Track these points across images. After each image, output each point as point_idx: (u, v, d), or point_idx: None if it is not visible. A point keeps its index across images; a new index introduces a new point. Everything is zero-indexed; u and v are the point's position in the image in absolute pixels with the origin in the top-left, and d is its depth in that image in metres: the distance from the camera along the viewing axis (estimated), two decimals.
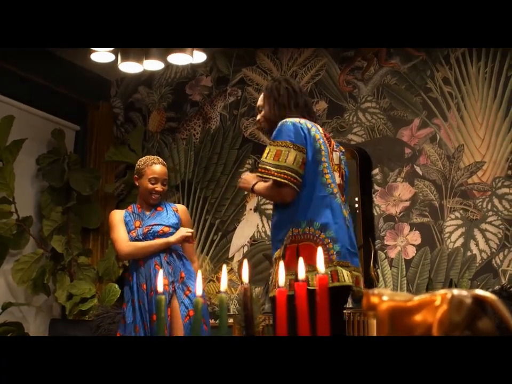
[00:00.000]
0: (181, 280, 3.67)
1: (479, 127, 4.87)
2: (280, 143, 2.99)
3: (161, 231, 3.73)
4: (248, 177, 3.27)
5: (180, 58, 4.97)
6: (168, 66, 5.92)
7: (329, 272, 2.88)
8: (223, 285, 1.50)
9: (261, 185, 3.13)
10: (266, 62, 5.88)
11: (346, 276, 2.90)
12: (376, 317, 1.45)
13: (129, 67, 5.09)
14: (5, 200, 5.41)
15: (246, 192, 5.68)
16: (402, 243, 4.92)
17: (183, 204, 5.55)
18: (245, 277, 1.53)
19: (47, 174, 5.81)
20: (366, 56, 5.40)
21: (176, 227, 3.79)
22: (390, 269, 4.91)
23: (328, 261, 2.88)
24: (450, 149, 4.93)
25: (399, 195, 5.03)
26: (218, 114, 6.05)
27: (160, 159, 3.94)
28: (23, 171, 5.67)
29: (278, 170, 2.93)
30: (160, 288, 1.59)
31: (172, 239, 3.69)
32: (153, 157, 3.95)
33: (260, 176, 3.04)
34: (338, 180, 3.12)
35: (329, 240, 2.92)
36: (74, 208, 5.82)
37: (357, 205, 5.07)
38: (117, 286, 5.36)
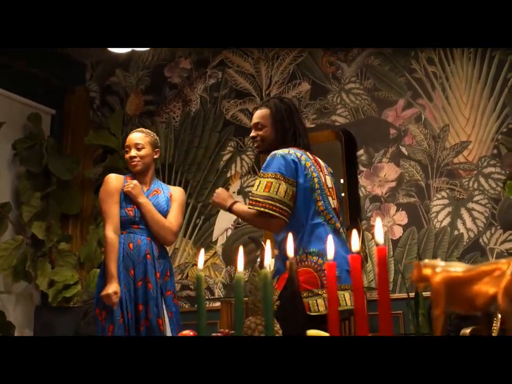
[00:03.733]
0: (166, 278, 3.60)
1: (464, 107, 4.88)
2: (270, 175, 2.98)
3: None
4: (223, 194, 3.23)
5: None
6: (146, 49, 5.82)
7: None
8: (200, 264, 1.53)
9: (243, 209, 3.11)
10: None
11: (348, 300, 2.92)
12: (431, 289, 1.42)
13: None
14: None
15: (228, 176, 5.63)
16: (389, 223, 4.93)
17: None
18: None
19: (25, 159, 5.67)
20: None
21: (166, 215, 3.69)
22: None
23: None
24: (436, 129, 4.94)
25: (384, 175, 5.03)
26: (199, 96, 5.97)
27: (138, 129, 3.84)
28: None
29: (270, 202, 2.92)
30: (200, 265, 1.55)
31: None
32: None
33: (251, 209, 2.99)
34: (333, 204, 3.12)
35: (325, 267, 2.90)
36: (52, 194, 5.70)
37: (342, 187, 5.06)
38: None
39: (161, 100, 6.15)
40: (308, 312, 2.78)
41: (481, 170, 4.73)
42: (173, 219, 3.67)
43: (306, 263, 2.93)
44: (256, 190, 2.97)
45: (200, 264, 1.55)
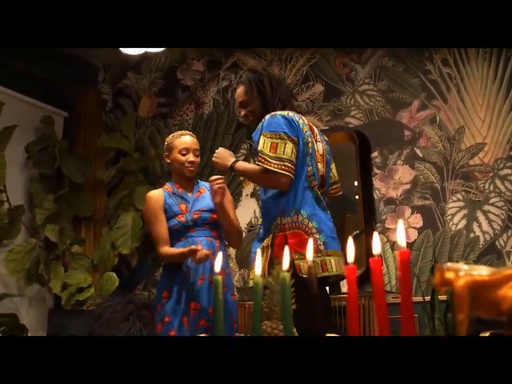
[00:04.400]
0: (223, 275, 3.54)
1: (479, 108, 4.83)
2: (274, 135, 3.01)
3: (210, 219, 3.55)
4: (224, 152, 3.25)
5: None
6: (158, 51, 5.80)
7: (319, 262, 2.93)
8: (217, 268, 1.52)
9: (248, 166, 3.10)
10: None
11: (334, 265, 2.98)
12: (454, 293, 1.38)
13: (131, 48, 4.95)
14: None
15: (241, 178, 5.59)
16: (404, 226, 4.87)
17: None
18: (310, 255, 1.48)
19: (37, 161, 5.66)
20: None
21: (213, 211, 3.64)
22: (392, 252, 4.86)
23: (317, 251, 2.95)
24: (451, 130, 4.89)
25: (399, 178, 4.98)
26: (211, 99, 5.95)
27: (189, 132, 3.80)
28: (12, 159, 5.51)
29: (278, 162, 2.95)
30: (218, 269, 1.52)
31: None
32: (181, 131, 3.82)
33: (259, 165, 3.00)
34: (321, 171, 3.18)
35: (315, 230, 2.98)
36: (65, 196, 5.69)
37: (356, 189, 5.03)
38: (115, 274, 5.26)
39: (174, 102, 6.14)
40: (299, 274, 2.84)
41: (497, 172, 4.68)
42: (236, 220, 3.68)
43: (297, 224, 2.98)
44: (263, 148, 2.98)
45: (218, 268, 1.52)
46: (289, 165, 2.96)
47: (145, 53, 5.29)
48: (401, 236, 1.32)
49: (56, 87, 6.12)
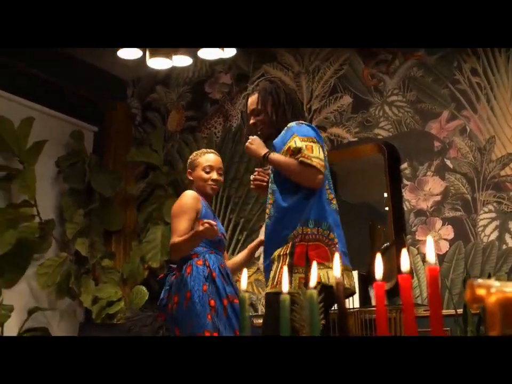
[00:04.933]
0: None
1: (510, 117, 4.77)
2: (307, 138, 3.04)
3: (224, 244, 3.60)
4: (258, 140, 3.21)
5: (210, 53, 4.87)
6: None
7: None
8: (243, 285, 1.49)
9: (283, 157, 3.06)
10: (287, 58, 5.79)
11: (345, 280, 3.00)
12: (485, 311, 1.35)
13: (158, 63, 4.99)
14: (26, 203, 5.33)
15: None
16: (435, 238, 4.83)
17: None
18: (337, 271, 1.46)
19: (68, 176, 5.72)
20: (390, 49, 5.30)
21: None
22: (423, 264, 4.81)
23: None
24: (481, 141, 4.83)
25: (429, 189, 4.93)
26: (239, 112, 5.96)
27: (213, 150, 3.80)
28: (42, 173, 5.58)
29: (318, 160, 2.98)
30: (244, 285, 1.50)
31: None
32: (206, 149, 3.82)
33: (303, 162, 2.97)
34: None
35: (337, 240, 3.00)
36: (95, 211, 5.74)
37: (386, 201, 4.99)
38: (145, 288, 5.27)
39: (202, 116, 6.16)
40: (319, 281, 2.81)
41: None
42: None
43: (317, 236, 2.96)
44: (300, 146, 2.98)
45: (244, 285, 1.51)
46: (323, 163, 3.01)
47: (173, 67, 5.31)
48: (430, 252, 1.30)
49: (86, 102, 6.19)
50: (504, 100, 4.81)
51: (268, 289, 3.03)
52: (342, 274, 2.96)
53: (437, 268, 1.30)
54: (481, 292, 1.38)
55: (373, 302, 4.36)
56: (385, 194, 5.00)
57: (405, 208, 4.99)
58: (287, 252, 2.97)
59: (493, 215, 4.68)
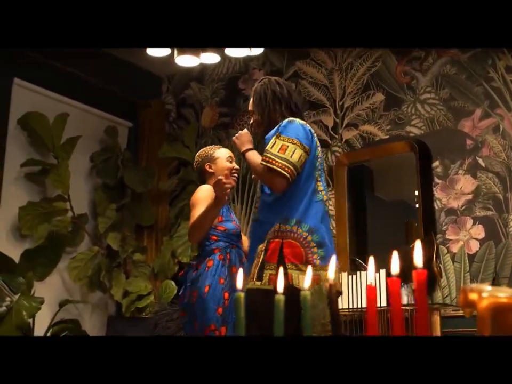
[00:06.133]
0: None
1: None
2: (287, 139, 3.00)
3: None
4: (245, 137, 3.23)
5: (237, 51, 4.89)
6: (220, 61, 5.86)
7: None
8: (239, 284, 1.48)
9: (255, 159, 3.09)
10: (320, 54, 5.77)
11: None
12: (477, 315, 1.34)
13: (186, 61, 5.02)
14: (60, 197, 5.41)
15: None
16: (465, 237, 4.76)
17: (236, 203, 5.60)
18: (331, 274, 1.46)
19: (101, 171, 5.80)
20: None
21: None
22: (453, 264, 4.75)
23: (312, 265, 2.88)
24: None
25: (461, 188, 4.87)
26: None
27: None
28: (76, 168, 5.66)
29: (283, 162, 2.93)
30: (240, 285, 1.51)
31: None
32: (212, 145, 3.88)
33: (263, 164, 2.99)
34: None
35: (314, 244, 2.94)
36: (127, 206, 5.80)
37: (417, 199, 4.95)
38: (173, 283, 5.32)
39: (235, 112, 6.18)
40: (290, 283, 2.81)
41: None
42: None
43: (295, 235, 2.93)
44: (272, 148, 2.97)
45: (240, 284, 1.51)
46: (292, 168, 2.93)
47: (206, 64, 5.32)
48: (418, 256, 1.29)
49: (121, 98, 6.25)
50: None
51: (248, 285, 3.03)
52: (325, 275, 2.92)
53: (425, 272, 1.28)
54: (473, 296, 1.37)
55: (404, 301, 4.31)
56: (416, 192, 4.95)
57: (436, 207, 4.94)
58: (263, 248, 2.98)
59: None
